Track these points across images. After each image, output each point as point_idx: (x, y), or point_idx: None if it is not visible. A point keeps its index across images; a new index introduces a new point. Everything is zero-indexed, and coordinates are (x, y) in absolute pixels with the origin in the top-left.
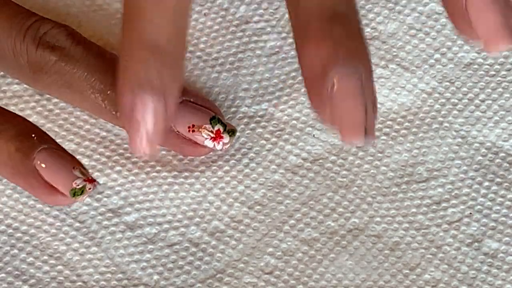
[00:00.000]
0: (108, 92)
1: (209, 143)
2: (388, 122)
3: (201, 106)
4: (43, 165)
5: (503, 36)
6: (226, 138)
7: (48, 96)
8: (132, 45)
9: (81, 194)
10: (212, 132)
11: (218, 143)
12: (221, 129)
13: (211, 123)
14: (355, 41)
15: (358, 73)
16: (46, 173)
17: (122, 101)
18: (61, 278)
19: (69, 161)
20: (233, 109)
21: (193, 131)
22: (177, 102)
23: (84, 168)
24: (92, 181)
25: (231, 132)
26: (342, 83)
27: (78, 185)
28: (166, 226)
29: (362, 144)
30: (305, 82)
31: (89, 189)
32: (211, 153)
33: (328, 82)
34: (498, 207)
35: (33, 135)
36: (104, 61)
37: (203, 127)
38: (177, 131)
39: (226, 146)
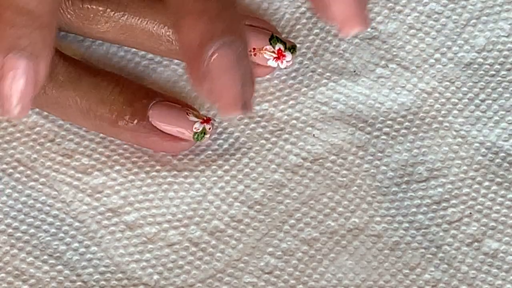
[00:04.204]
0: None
1: (272, 63)
2: (388, 122)
3: (258, 27)
4: (160, 121)
5: (355, 21)
6: (288, 56)
7: None
8: (1, 7)
9: (204, 136)
10: (274, 52)
11: (282, 62)
12: (282, 48)
13: (271, 43)
14: (230, 15)
15: (234, 47)
16: (165, 127)
17: None
18: (61, 278)
19: (181, 108)
20: None
21: (255, 54)
22: (48, 65)
23: (196, 110)
24: (209, 120)
25: (292, 48)
26: (219, 57)
27: (198, 129)
28: (166, 225)
29: (240, 115)
30: (184, 60)
31: (209, 129)
32: (210, 152)
33: (205, 56)
34: (498, 207)
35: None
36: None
37: (264, 49)
38: None
39: (289, 63)
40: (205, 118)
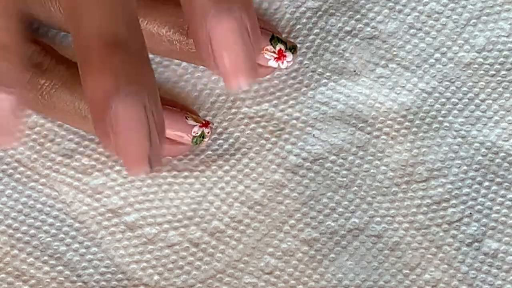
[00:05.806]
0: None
1: (273, 64)
2: (388, 122)
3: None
4: None
5: (239, 73)
6: (289, 56)
7: None
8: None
9: (202, 140)
10: (274, 52)
11: (282, 62)
12: (283, 48)
13: (271, 44)
14: (136, 68)
15: (139, 103)
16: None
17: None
18: (61, 278)
19: (180, 112)
20: (233, 110)
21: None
22: (21, 95)
23: (195, 114)
24: (208, 124)
25: (293, 49)
26: (122, 114)
27: (197, 133)
28: (166, 226)
29: (146, 174)
30: (91, 116)
31: (208, 133)
32: (210, 152)
33: (109, 112)
34: (498, 207)
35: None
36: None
37: (264, 49)
38: None
39: (290, 64)
40: (203, 122)
